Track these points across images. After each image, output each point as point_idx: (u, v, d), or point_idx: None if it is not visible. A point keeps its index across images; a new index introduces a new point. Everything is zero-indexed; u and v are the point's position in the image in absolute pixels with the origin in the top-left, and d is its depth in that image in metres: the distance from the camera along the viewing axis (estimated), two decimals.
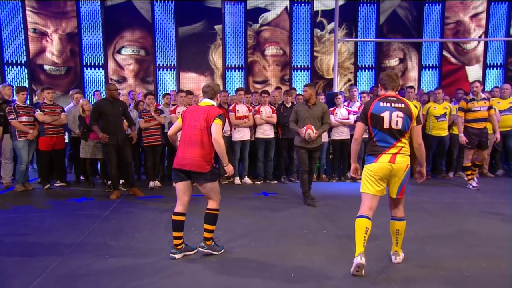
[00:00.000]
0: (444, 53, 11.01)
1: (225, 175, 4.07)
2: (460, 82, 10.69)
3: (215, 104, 3.91)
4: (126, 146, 6.25)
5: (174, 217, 3.81)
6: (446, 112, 7.55)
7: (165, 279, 3.36)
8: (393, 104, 3.45)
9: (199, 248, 3.86)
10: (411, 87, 7.81)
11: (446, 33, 10.91)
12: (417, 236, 4.35)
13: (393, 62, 11.05)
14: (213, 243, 3.88)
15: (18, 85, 8.43)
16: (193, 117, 3.79)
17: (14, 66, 9.57)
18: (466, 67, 11.08)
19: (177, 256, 3.80)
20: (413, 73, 11.08)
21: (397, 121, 3.41)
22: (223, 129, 3.82)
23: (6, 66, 9.52)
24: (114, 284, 3.26)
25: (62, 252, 3.92)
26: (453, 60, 11.07)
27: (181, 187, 3.81)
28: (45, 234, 4.49)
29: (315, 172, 6.36)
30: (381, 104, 3.47)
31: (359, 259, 3.32)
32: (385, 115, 3.43)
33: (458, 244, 4.15)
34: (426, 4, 10.88)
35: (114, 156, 6.14)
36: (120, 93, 7.48)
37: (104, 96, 6.66)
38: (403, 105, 3.45)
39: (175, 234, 3.80)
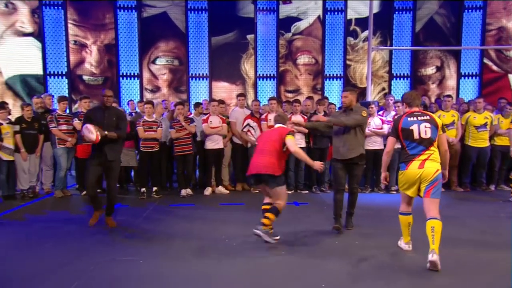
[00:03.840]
0: (485, 60, 10.56)
1: (319, 170, 4.59)
2: (503, 91, 10.17)
3: (286, 126, 4.67)
4: (115, 167, 5.13)
5: (263, 207, 4.49)
6: (486, 122, 7.22)
7: (197, 284, 3.40)
8: (419, 118, 3.97)
9: (254, 230, 4.29)
10: (449, 96, 7.55)
11: (488, 40, 10.47)
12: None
13: (430, 70, 10.72)
14: (269, 230, 4.31)
15: (59, 94, 8.79)
16: (268, 134, 4.72)
17: (56, 77, 10.03)
18: (510, 75, 10.59)
19: (259, 232, 4.28)
20: (451, 82, 10.70)
21: (425, 131, 3.89)
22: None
23: (48, 77, 9.98)
24: None
25: (98, 257, 4.02)
26: (495, 68, 10.61)
27: (261, 189, 4.62)
28: (83, 239, 4.62)
29: (357, 193, 5.06)
30: (409, 119, 3.99)
31: (407, 247, 4.19)
32: (414, 127, 3.92)
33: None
34: (466, 11, 10.52)
35: (95, 172, 5.05)
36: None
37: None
38: (428, 117, 3.97)
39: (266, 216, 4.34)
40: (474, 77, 10.63)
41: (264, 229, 4.26)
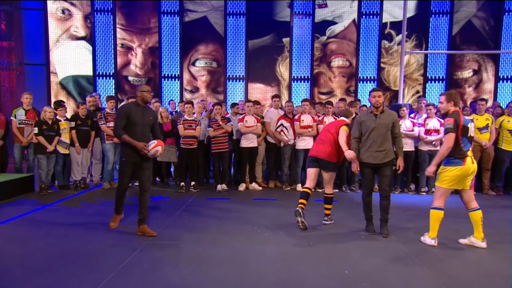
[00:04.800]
0: None
1: (348, 159, 4.94)
2: None
3: (347, 120, 5.29)
4: (148, 167, 4.87)
5: (303, 190, 5.16)
6: None
7: (232, 266, 3.78)
8: (467, 117, 4.54)
9: (324, 222, 5.28)
10: (483, 99, 7.56)
11: None
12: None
13: (466, 73, 10.64)
14: (330, 217, 5.32)
15: (107, 94, 9.52)
16: (329, 125, 5.40)
17: (104, 78, 10.82)
18: None
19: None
20: (488, 85, 10.58)
21: (473, 130, 4.40)
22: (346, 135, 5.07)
23: (97, 77, 10.79)
24: (188, 267, 3.75)
25: (145, 239, 4.53)
26: None
27: (312, 172, 5.27)
28: (131, 225, 5.08)
29: (389, 197, 4.84)
30: (465, 117, 4.43)
31: (433, 242, 4.39)
32: (470, 126, 4.36)
33: None
34: (506, 13, 10.37)
35: (128, 178, 4.91)
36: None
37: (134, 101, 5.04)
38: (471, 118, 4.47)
39: (301, 200, 5.06)
40: None
41: (329, 218, 5.29)
